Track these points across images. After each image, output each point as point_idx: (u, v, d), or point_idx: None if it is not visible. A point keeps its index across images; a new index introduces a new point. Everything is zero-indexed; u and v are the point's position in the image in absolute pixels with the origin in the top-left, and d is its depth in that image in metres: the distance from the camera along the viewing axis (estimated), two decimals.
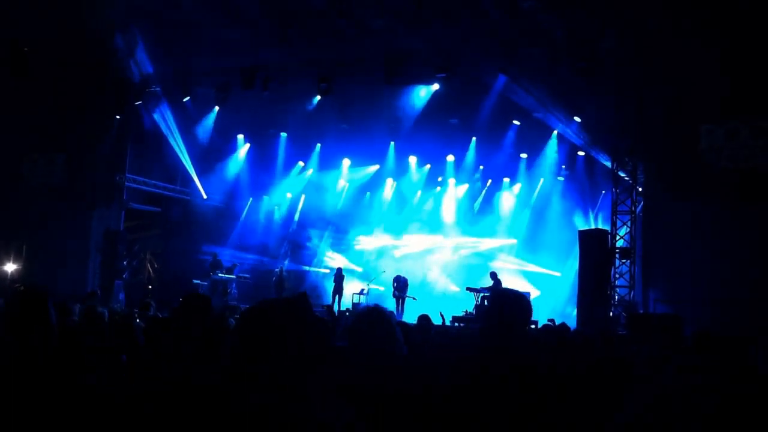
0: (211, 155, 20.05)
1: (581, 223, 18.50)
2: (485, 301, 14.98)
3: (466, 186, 20.74)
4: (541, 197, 19.81)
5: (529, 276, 19.43)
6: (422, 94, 16.45)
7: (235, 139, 20.35)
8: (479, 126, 17.12)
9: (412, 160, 20.65)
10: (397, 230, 21.34)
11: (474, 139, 18.89)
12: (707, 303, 11.43)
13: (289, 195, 22.09)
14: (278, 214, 22.28)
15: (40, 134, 16.97)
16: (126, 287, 17.40)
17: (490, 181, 20.44)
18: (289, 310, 2.21)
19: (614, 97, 14.40)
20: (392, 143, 19.82)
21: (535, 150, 18.50)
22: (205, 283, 18.31)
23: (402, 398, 2.67)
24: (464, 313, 15.43)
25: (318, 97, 16.69)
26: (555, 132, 17.36)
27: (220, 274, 18.55)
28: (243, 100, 16.75)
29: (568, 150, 17.92)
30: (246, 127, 20.03)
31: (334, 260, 21.13)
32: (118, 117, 17.46)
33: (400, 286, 17.99)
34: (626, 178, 15.05)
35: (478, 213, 20.68)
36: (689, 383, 3.33)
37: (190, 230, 20.43)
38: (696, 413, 3.03)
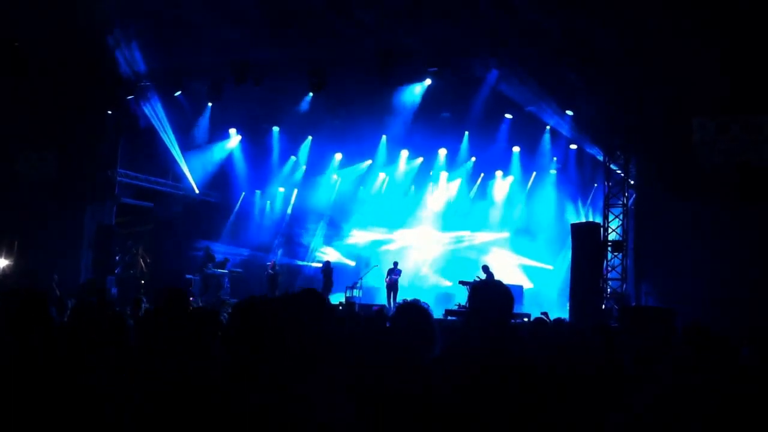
0: (204, 150, 19.99)
1: (573, 216, 18.58)
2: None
3: (458, 180, 20.76)
4: (533, 190, 19.88)
5: (522, 268, 19.51)
6: (416, 90, 16.45)
7: (227, 133, 20.29)
8: (472, 120, 17.14)
9: (404, 154, 20.64)
10: (390, 224, 21.34)
11: (467, 132, 18.93)
12: (698, 297, 11.53)
13: (281, 189, 22.07)
14: (271, 209, 22.26)
15: (32, 130, 16.89)
16: (118, 282, 17.35)
17: (482, 174, 20.46)
18: (291, 308, 2.20)
19: (606, 91, 14.46)
20: (384, 137, 19.81)
21: (528, 143, 18.54)
22: (197, 278, 18.28)
23: (414, 399, 2.65)
24: (457, 307, 15.51)
25: (311, 94, 16.71)
26: (547, 126, 17.39)
27: (212, 269, 18.52)
28: (236, 95, 16.69)
29: (560, 143, 17.96)
30: (238, 122, 19.96)
31: (327, 255, 21.12)
32: (110, 112, 17.40)
33: (394, 274, 18.00)
34: (618, 172, 15.11)
35: (470, 206, 20.69)
36: (684, 381, 3.36)
37: (183, 225, 20.38)
38: (691, 410, 3.05)
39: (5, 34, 14.33)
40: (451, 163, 20.30)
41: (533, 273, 19.37)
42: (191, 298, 15.95)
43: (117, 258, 18.03)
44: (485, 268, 16.58)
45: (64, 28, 13.92)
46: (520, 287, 17.41)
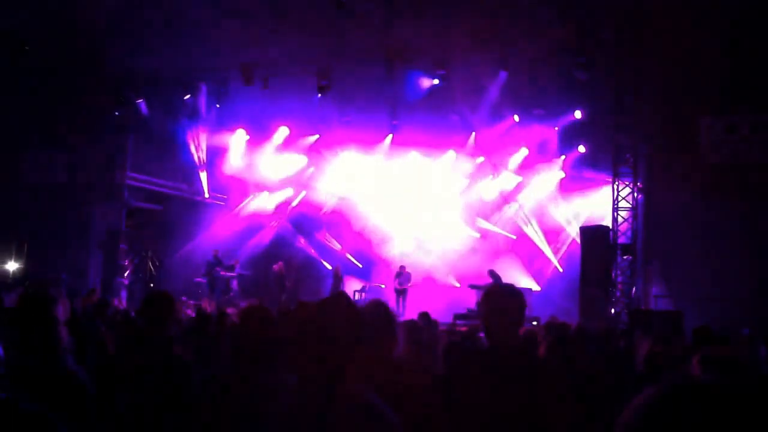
0: (213, 151, 20.05)
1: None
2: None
3: (467, 180, 20.63)
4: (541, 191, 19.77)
5: (529, 271, 19.41)
6: (422, 86, 16.42)
7: (237, 134, 20.30)
8: (479, 120, 17.11)
9: (412, 153, 20.54)
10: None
11: (473, 133, 18.87)
12: (709, 299, 11.46)
13: (290, 189, 22.03)
14: (279, 210, 22.22)
15: (41, 132, 16.98)
16: (127, 285, 17.42)
17: (490, 175, 20.34)
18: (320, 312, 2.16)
19: (615, 93, 14.41)
20: (390, 136, 19.76)
21: (535, 144, 18.47)
22: (205, 281, 18.31)
23: None
24: (467, 311, 15.41)
25: (318, 95, 16.75)
26: (555, 127, 17.34)
27: (221, 272, 18.55)
28: (243, 95, 16.75)
29: (568, 144, 17.88)
30: (246, 122, 19.98)
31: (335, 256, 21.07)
32: (118, 114, 17.47)
33: (403, 279, 17.80)
34: (627, 173, 15.04)
35: (476, 207, 20.56)
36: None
37: (192, 228, 20.43)
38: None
39: (13, 35, 14.40)
40: (459, 163, 20.18)
41: (541, 276, 19.25)
42: (195, 301, 16.00)
43: (126, 261, 18.08)
44: (491, 273, 16.42)
45: (72, 27, 13.99)
46: (528, 290, 17.31)
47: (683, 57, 12.45)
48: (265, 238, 21.74)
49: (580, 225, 17.27)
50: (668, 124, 13.37)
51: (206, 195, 20.47)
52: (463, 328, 8.46)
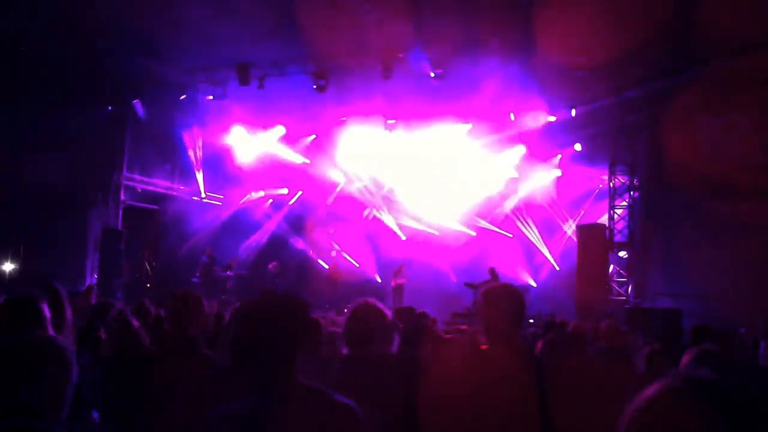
0: (208, 151, 20.03)
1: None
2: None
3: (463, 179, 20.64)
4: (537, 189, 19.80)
5: (526, 269, 19.44)
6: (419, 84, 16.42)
7: (232, 134, 20.28)
8: (475, 118, 17.14)
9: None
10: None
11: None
12: (708, 296, 11.48)
13: (286, 189, 22.04)
14: (275, 210, 22.23)
15: (38, 132, 16.92)
16: (124, 286, 17.39)
17: (487, 173, 20.36)
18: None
19: (611, 89, 14.43)
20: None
21: (532, 142, 18.49)
22: (200, 281, 18.28)
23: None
24: (465, 310, 15.44)
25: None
26: (551, 124, 17.37)
27: (217, 272, 18.53)
28: (240, 95, 16.73)
29: (565, 142, 17.91)
30: (243, 122, 19.97)
31: (334, 255, 21.07)
32: (115, 115, 17.45)
33: (400, 276, 17.78)
34: (624, 171, 15.08)
35: (474, 206, 20.58)
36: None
37: (189, 228, 20.40)
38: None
39: (11, 36, 14.36)
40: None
41: (537, 273, 19.29)
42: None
43: (123, 261, 18.04)
44: (491, 271, 16.45)
45: (69, 27, 13.95)
46: (527, 287, 17.36)
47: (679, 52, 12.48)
48: (261, 238, 21.74)
49: (576, 222, 17.32)
50: (664, 121, 13.38)
51: (203, 195, 20.46)
52: (464, 326, 8.46)
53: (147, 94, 17.53)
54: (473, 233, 20.22)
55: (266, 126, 20.08)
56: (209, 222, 20.85)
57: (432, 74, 15.55)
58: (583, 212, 18.87)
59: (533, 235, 19.69)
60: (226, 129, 19.79)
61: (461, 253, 20.13)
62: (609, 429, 3.08)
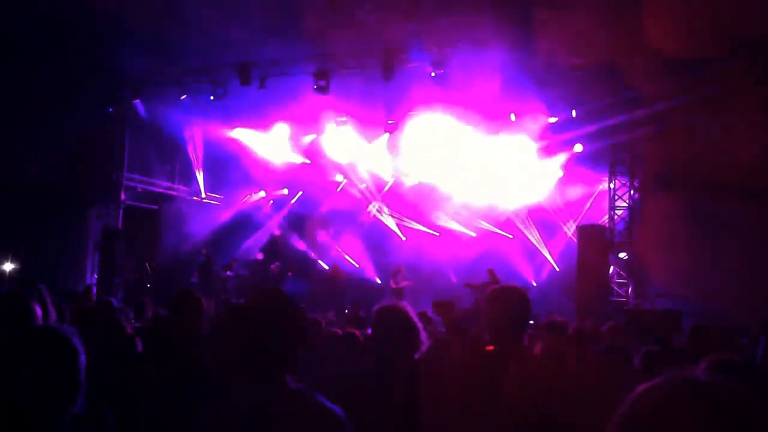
0: (209, 151, 20.02)
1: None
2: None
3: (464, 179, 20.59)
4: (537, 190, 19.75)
5: (526, 270, 19.41)
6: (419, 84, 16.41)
7: (233, 134, 20.28)
8: (476, 119, 17.11)
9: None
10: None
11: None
12: (708, 295, 11.47)
13: (286, 190, 22.03)
14: (275, 210, 22.22)
15: (38, 132, 16.93)
16: (124, 285, 17.38)
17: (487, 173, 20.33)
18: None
19: (610, 90, 14.42)
20: (386, 135, 19.73)
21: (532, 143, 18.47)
22: (197, 281, 18.27)
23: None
24: (464, 310, 15.41)
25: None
26: (552, 124, 17.35)
27: (216, 272, 18.52)
28: (240, 95, 16.73)
29: (564, 143, 17.88)
30: (242, 121, 19.97)
31: (333, 256, 21.06)
32: (115, 115, 17.44)
33: (399, 278, 17.69)
34: (624, 172, 15.06)
35: (474, 208, 20.55)
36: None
37: (189, 228, 20.39)
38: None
39: (11, 36, 14.36)
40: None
41: (537, 274, 19.27)
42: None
43: (123, 261, 18.04)
44: (490, 272, 16.39)
45: (69, 27, 13.95)
46: (528, 288, 17.33)
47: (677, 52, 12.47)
48: (262, 238, 21.73)
49: (576, 224, 17.30)
50: (664, 121, 13.37)
51: (203, 195, 20.45)
52: (463, 327, 8.42)
53: (147, 94, 17.53)
54: (473, 234, 20.19)
55: (267, 126, 20.07)
56: (209, 222, 20.84)
57: (432, 74, 15.56)
58: (583, 212, 18.86)
59: (533, 236, 19.67)
60: (226, 129, 19.78)
61: (461, 254, 20.12)
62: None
